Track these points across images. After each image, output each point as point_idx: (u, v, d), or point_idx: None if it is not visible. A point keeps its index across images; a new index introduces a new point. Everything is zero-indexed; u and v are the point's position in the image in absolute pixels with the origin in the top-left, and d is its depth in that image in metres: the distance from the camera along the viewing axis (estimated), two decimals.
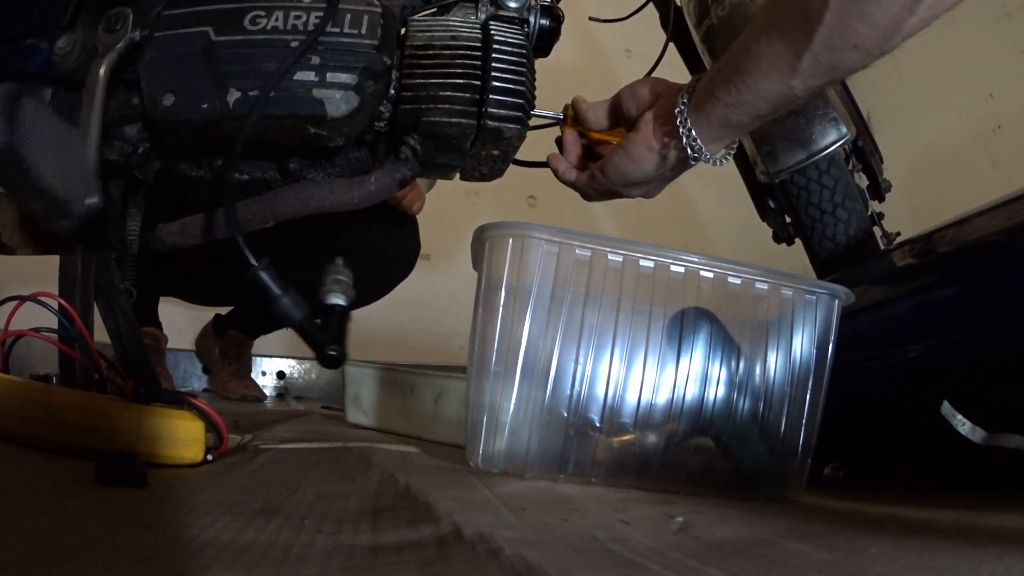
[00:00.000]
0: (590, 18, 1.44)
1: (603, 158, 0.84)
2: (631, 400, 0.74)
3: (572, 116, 0.90)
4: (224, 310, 1.82)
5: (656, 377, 0.74)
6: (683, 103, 0.75)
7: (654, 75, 0.89)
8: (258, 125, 0.76)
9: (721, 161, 0.79)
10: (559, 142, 0.92)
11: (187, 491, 0.58)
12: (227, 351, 1.80)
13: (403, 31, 0.83)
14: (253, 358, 1.93)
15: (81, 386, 0.73)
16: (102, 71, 0.75)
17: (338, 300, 0.81)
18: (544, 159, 0.93)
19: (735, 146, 0.80)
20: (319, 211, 0.80)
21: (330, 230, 1.41)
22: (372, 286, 1.60)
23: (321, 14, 0.76)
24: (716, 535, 0.54)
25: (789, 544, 0.51)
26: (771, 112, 0.71)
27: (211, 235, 0.85)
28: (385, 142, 0.85)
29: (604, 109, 0.87)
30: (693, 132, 0.74)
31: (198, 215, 0.86)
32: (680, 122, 0.75)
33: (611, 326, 0.74)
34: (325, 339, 0.74)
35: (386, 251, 1.54)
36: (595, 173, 0.85)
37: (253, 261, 0.71)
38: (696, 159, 0.77)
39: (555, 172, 0.91)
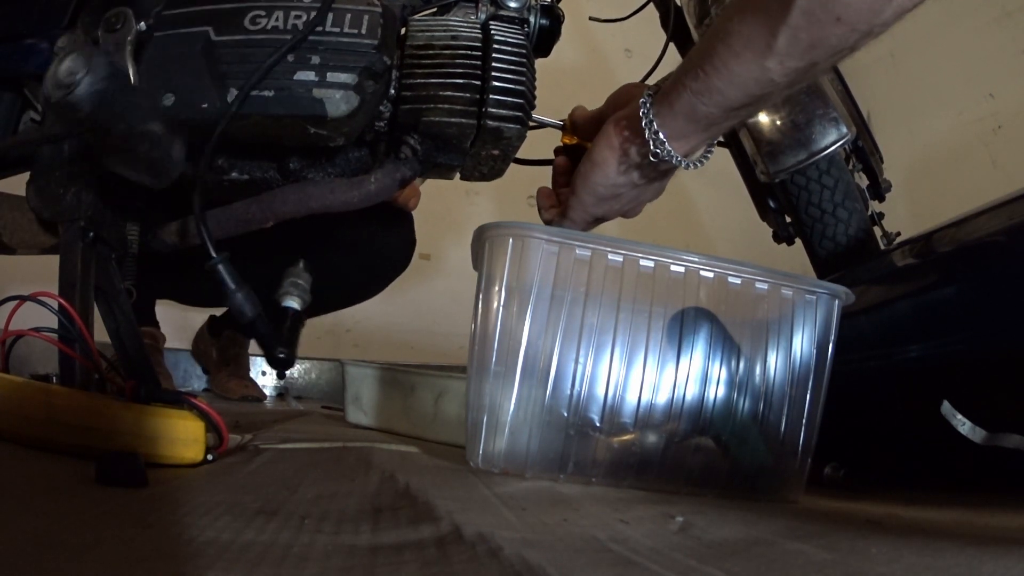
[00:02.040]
0: (590, 18, 1.44)
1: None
2: (631, 400, 0.74)
3: (571, 125, 0.88)
4: (219, 311, 1.82)
5: (656, 377, 0.74)
6: (648, 94, 0.69)
7: (655, 75, 0.88)
8: (258, 124, 0.76)
9: (695, 164, 0.71)
10: (556, 152, 0.90)
11: (187, 491, 0.58)
12: (224, 351, 1.80)
13: (403, 31, 0.83)
14: (253, 358, 1.93)
15: (81, 386, 0.73)
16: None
17: (293, 303, 0.82)
18: (543, 157, 0.93)
19: (710, 151, 0.72)
20: (319, 211, 0.80)
21: (326, 227, 1.41)
22: (368, 282, 1.60)
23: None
24: (716, 535, 0.54)
25: (789, 544, 0.51)
26: (744, 103, 0.64)
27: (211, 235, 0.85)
28: (385, 142, 0.85)
29: (592, 116, 0.83)
30: (655, 124, 0.67)
31: None
32: (643, 114, 0.68)
33: (611, 326, 0.74)
34: (275, 340, 0.75)
35: (382, 248, 1.54)
36: (568, 198, 0.80)
37: (213, 253, 0.71)
38: (658, 156, 0.69)
39: (539, 209, 0.86)
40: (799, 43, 0.57)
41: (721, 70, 0.61)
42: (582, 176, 0.77)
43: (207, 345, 1.84)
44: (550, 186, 0.88)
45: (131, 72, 0.73)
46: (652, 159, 0.70)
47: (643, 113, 0.68)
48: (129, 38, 0.73)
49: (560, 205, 0.84)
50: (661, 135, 0.68)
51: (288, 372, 2.10)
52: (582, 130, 0.86)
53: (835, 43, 0.56)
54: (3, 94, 0.86)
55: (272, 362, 0.76)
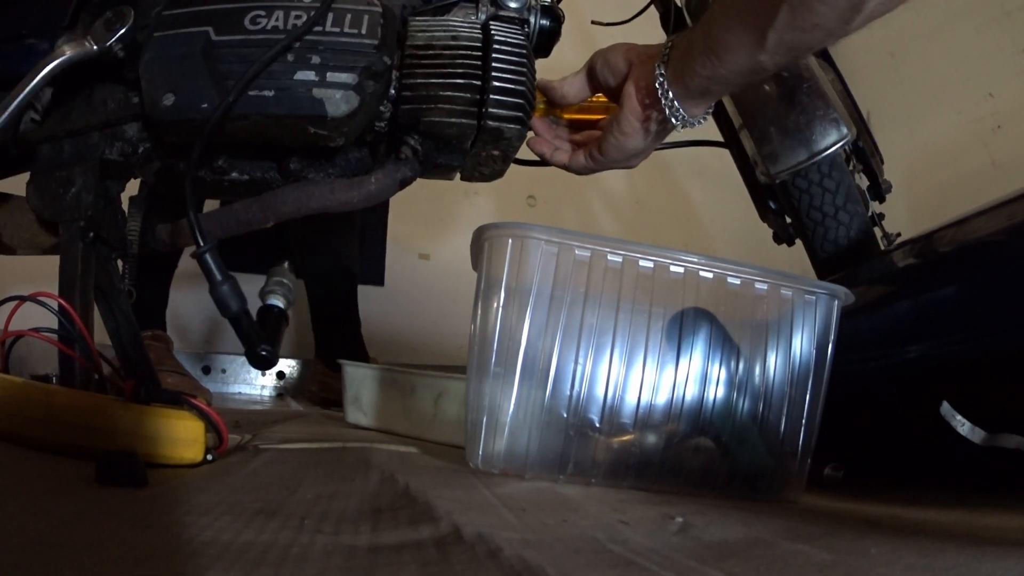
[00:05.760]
0: (593, 22, 1.44)
1: (597, 138, 0.87)
2: (631, 400, 0.74)
3: (544, 101, 0.89)
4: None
5: (656, 377, 0.74)
6: (661, 74, 0.78)
7: None
8: (258, 125, 0.76)
9: (700, 122, 0.83)
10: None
11: (187, 491, 0.58)
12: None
13: (403, 31, 0.83)
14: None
15: (81, 386, 0.73)
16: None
17: (277, 302, 0.82)
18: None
19: (712, 108, 0.83)
20: (319, 211, 0.80)
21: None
22: None
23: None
24: (716, 535, 0.54)
25: (789, 544, 0.51)
26: (744, 82, 0.76)
27: (211, 235, 0.85)
28: (385, 142, 0.85)
29: (581, 78, 0.88)
30: (676, 103, 0.78)
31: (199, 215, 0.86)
32: (662, 94, 0.78)
33: (611, 326, 0.74)
34: (258, 337, 0.74)
35: None
36: (593, 154, 0.88)
37: (200, 242, 0.71)
38: (682, 126, 0.81)
39: (543, 157, 0.92)
40: (784, 44, 0.67)
41: (725, 61, 0.72)
42: (613, 145, 0.85)
43: (329, 381, 1.78)
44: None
45: None
46: (674, 122, 0.81)
47: (661, 95, 0.79)
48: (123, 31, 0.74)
49: (571, 149, 0.91)
50: (683, 111, 0.79)
51: (288, 372, 2.11)
52: (570, 93, 0.89)
53: (814, 43, 0.67)
54: (4, 94, 0.86)
55: (253, 359, 0.75)
